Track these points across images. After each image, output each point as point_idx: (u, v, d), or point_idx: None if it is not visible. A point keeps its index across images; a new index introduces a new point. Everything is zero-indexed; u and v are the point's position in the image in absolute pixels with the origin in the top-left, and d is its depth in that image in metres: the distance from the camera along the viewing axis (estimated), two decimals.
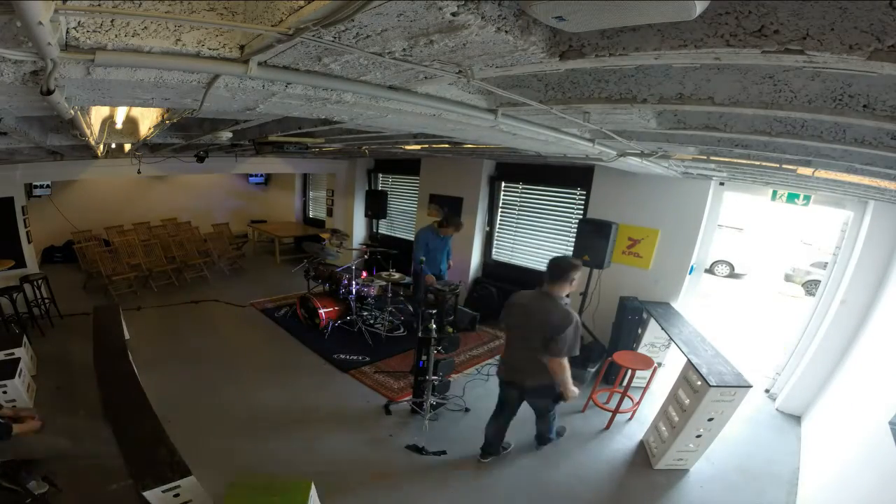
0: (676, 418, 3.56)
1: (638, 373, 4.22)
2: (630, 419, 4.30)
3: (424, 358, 4.00)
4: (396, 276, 5.89)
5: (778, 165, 2.57)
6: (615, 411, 4.15)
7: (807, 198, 4.51)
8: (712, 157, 2.73)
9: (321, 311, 5.84)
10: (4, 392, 3.78)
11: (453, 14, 0.75)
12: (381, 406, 4.34)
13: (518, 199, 6.95)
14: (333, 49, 0.96)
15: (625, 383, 4.31)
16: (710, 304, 9.10)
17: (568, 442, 4.00)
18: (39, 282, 5.86)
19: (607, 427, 4.15)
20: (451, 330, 4.94)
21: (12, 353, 4.19)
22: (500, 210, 7.15)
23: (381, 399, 4.49)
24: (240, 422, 4.00)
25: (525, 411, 3.50)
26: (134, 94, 1.35)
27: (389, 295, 6.00)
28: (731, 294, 10.84)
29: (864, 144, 1.52)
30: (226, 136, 3.66)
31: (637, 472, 3.66)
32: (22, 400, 3.88)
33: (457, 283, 6.14)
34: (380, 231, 9.48)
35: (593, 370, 4.99)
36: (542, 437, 3.74)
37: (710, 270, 11.95)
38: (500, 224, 7.23)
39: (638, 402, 4.34)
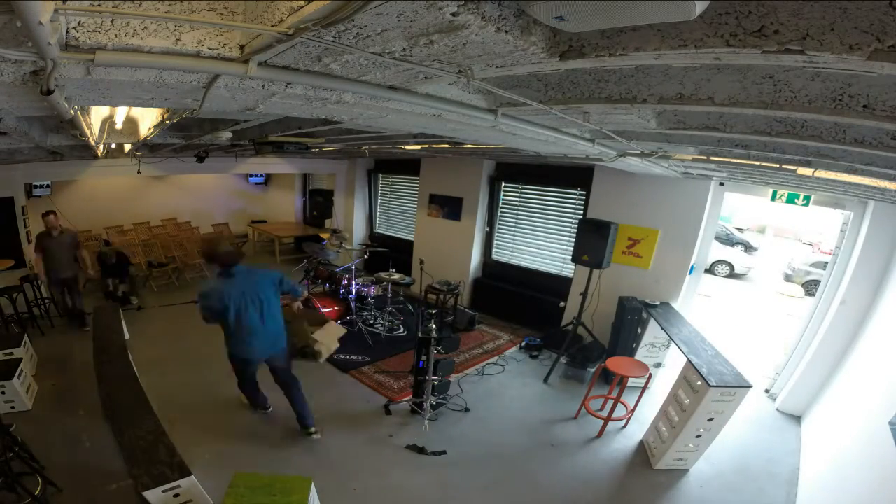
0: (676, 418, 3.56)
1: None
2: (624, 427, 4.24)
3: (424, 358, 4.00)
4: (396, 276, 5.89)
5: (778, 165, 2.57)
6: (607, 419, 4.08)
7: (807, 198, 4.50)
8: (712, 157, 2.73)
9: (321, 311, 5.83)
10: (3, 392, 3.78)
11: (453, 14, 0.75)
12: (381, 406, 4.34)
13: (518, 199, 6.94)
14: (333, 49, 0.96)
15: (617, 391, 4.26)
16: (710, 304, 9.09)
17: (567, 443, 4.00)
18: (39, 282, 5.85)
19: (599, 435, 4.08)
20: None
21: (12, 353, 4.19)
22: (500, 210, 7.16)
23: (381, 399, 4.48)
24: (240, 421, 4.00)
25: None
26: (134, 94, 1.35)
27: (389, 295, 5.99)
28: (731, 294, 10.84)
29: (864, 144, 1.52)
30: (226, 136, 3.66)
31: (637, 472, 3.66)
32: (21, 400, 3.89)
33: (457, 283, 6.13)
34: (378, 231, 9.49)
35: (592, 370, 4.98)
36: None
37: (710, 270, 11.95)
38: (499, 224, 7.23)
39: (632, 410, 4.29)
